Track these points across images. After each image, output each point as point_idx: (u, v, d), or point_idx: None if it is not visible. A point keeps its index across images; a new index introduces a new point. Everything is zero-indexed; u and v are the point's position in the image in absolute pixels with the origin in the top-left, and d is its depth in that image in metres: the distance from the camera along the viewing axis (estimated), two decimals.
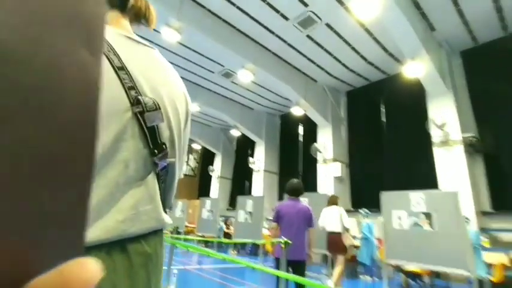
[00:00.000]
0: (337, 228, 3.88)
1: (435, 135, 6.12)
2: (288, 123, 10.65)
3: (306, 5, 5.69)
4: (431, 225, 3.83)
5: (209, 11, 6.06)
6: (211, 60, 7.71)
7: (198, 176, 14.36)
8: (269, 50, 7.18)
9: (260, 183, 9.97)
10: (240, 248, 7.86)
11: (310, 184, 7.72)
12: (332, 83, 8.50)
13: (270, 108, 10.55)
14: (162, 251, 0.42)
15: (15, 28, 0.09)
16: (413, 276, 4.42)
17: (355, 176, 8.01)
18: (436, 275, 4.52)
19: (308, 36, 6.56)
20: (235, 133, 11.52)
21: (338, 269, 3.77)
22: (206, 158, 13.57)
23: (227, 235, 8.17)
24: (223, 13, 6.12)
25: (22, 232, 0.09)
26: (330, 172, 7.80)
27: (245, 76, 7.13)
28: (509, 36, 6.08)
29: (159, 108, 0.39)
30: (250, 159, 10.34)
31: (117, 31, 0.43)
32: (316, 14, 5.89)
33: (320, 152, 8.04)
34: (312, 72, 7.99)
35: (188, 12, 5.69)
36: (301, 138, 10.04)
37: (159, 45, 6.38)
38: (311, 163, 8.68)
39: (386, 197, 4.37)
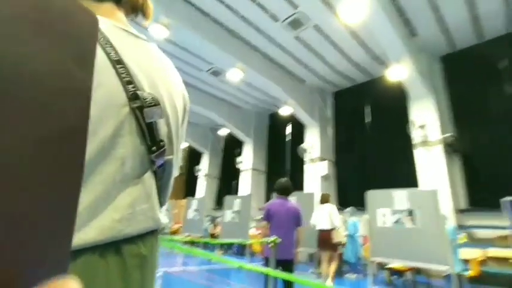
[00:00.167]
0: (328, 226, 3.94)
1: (416, 135, 6.39)
2: (276, 122, 10.70)
3: (295, 6, 5.73)
4: (413, 222, 3.98)
5: (198, 8, 5.94)
6: (200, 58, 7.57)
7: (185, 175, 14.07)
8: (258, 50, 7.17)
9: (248, 182, 9.93)
10: (227, 248, 7.77)
11: (297, 183, 7.79)
12: (319, 84, 8.64)
13: (259, 107, 10.55)
14: (157, 252, 0.41)
15: (9, 42, 0.10)
16: (397, 272, 4.57)
17: (341, 175, 8.19)
18: (417, 271, 4.71)
19: (297, 37, 6.62)
20: (223, 132, 11.40)
21: (333, 266, 3.88)
22: (193, 156, 13.32)
23: (213, 235, 8.04)
24: (212, 11, 6.02)
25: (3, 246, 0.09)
26: (316, 171, 7.91)
27: (234, 75, 7.07)
28: (484, 43, 6.49)
29: (159, 104, 0.38)
30: (238, 158, 10.27)
31: (113, 23, 0.41)
32: (305, 16, 5.95)
33: (307, 153, 8.13)
34: (300, 73, 8.08)
35: (177, 9, 5.55)
36: (289, 138, 10.12)
37: None
38: (298, 162, 8.76)
39: (372, 196, 4.49)
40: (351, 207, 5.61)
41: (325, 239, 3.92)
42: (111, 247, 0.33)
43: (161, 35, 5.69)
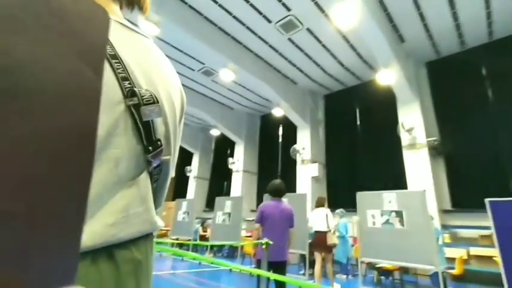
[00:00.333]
0: (324, 228, 4.03)
1: (404, 138, 6.58)
2: (268, 123, 10.71)
3: (288, 9, 5.78)
4: (402, 223, 4.07)
5: (191, 7, 5.86)
6: (191, 57, 7.47)
7: (174, 176, 13.80)
8: (251, 51, 7.16)
9: (239, 183, 9.86)
10: (216, 250, 7.65)
11: (288, 184, 7.80)
12: (311, 86, 8.74)
13: (251, 108, 10.53)
14: (152, 256, 0.40)
15: (27, 49, 0.11)
16: (385, 272, 4.66)
17: (332, 177, 8.30)
18: (404, 270, 4.82)
19: (289, 39, 6.67)
20: (215, 132, 11.29)
21: (329, 267, 3.98)
22: (183, 157, 13.09)
23: (203, 238, 7.90)
24: (205, 10, 5.97)
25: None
26: (307, 172, 7.97)
27: (226, 75, 7.02)
28: (466, 51, 6.80)
29: (157, 102, 0.36)
30: (230, 159, 10.19)
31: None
32: (297, 19, 6.01)
33: (300, 153, 8.19)
34: (292, 75, 8.14)
35: (168, 6, 5.45)
36: (280, 139, 10.15)
37: None
38: (290, 164, 8.80)
39: (362, 197, 4.56)
40: (340, 209, 5.68)
41: (321, 241, 4.01)
42: (103, 253, 0.31)
43: (151, 32, 5.56)
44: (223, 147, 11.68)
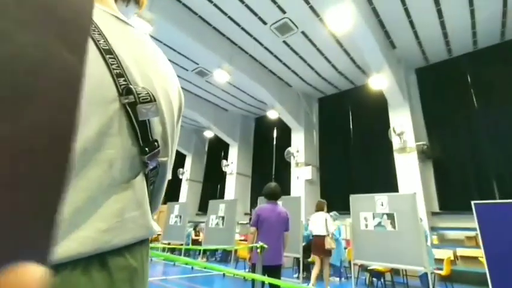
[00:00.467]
0: (322, 232, 4.08)
1: (395, 142, 6.75)
2: (262, 126, 10.72)
3: (283, 11, 5.83)
4: (393, 225, 4.15)
5: (185, 5, 5.81)
6: (185, 57, 7.39)
7: None
8: (246, 52, 7.16)
9: (232, 186, 9.79)
10: (209, 255, 7.54)
11: (282, 187, 7.80)
12: (306, 89, 8.83)
13: (245, 110, 10.51)
14: (148, 263, 0.38)
15: None
16: (377, 274, 4.72)
17: (325, 180, 8.38)
18: (395, 272, 4.91)
19: (284, 42, 6.72)
20: (208, 134, 11.18)
21: (325, 270, 4.01)
22: (175, 159, 12.82)
23: (196, 242, 7.78)
24: (200, 9, 5.92)
25: None
26: (301, 175, 8.02)
27: (221, 76, 6.98)
28: (453, 58, 7.07)
29: (154, 100, 0.34)
30: (224, 161, 10.11)
31: (101, 7, 0.37)
32: (293, 22, 6.07)
33: (294, 156, 8.23)
34: (287, 77, 8.20)
35: (162, 4, 5.36)
36: (274, 142, 10.18)
37: None
38: (284, 166, 8.83)
39: (355, 200, 4.62)
40: (334, 211, 5.74)
41: (319, 244, 4.05)
42: (96, 260, 0.29)
43: (144, 30, 5.46)
44: (217, 149, 11.59)
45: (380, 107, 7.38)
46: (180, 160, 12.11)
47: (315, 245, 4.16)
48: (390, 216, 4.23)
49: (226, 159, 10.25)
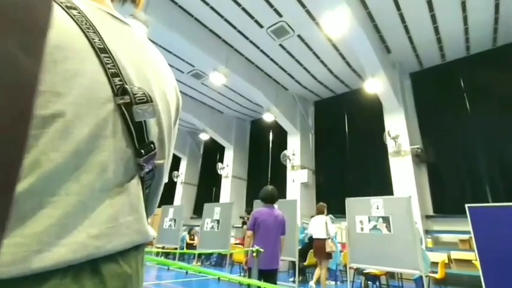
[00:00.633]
0: (322, 235, 4.09)
1: (390, 145, 6.80)
2: (258, 129, 10.70)
3: (280, 15, 5.86)
4: (388, 228, 4.15)
5: (181, 7, 5.79)
6: (181, 59, 7.35)
7: None
8: (242, 55, 7.17)
9: (228, 189, 9.71)
10: (204, 259, 7.42)
11: (278, 190, 7.77)
12: (301, 92, 8.86)
13: (241, 113, 10.49)
14: (143, 269, 0.36)
15: None
16: (372, 278, 4.71)
17: (321, 183, 8.38)
18: (390, 275, 4.90)
19: (281, 45, 6.75)
20: (204, 137, 11.11)
21: (323, 273, 4.03)
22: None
23: (190, 246, 7.65)
24: (196, 11, 5.91)
25: None
26: (297, 178, 8.00)
27: (217, 78, 6.95)
28: (446, 63, 7.20)
29: (151, 101, 0.33)
30: (219, 164, 10.04)
31: (96, 5, 0.36)
32: (289, 25, 6.10)
33: (290, 159, 8.22)
34: (283, 80, 8.22)
35: (158, 6, 5.33)
36: (270, 145, 10.16)
37: None
38: (279, 169, 8.80)
39: (351, 203, 4.62)
40: (330, 214, 5.73)
41: (320, 248, 4.06)
42: (87, 267, 0.28)
43: (140, 29, 5.41)
44: (212, 152, 11.51)
45: (375, 110, 7.45)
46: (174, 163, 11.97)
47: (315, 248, 4.17)
48: (386, 220, 4.23)
49: (222, 162, 10.18)
